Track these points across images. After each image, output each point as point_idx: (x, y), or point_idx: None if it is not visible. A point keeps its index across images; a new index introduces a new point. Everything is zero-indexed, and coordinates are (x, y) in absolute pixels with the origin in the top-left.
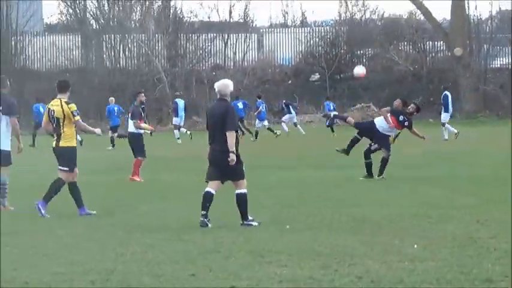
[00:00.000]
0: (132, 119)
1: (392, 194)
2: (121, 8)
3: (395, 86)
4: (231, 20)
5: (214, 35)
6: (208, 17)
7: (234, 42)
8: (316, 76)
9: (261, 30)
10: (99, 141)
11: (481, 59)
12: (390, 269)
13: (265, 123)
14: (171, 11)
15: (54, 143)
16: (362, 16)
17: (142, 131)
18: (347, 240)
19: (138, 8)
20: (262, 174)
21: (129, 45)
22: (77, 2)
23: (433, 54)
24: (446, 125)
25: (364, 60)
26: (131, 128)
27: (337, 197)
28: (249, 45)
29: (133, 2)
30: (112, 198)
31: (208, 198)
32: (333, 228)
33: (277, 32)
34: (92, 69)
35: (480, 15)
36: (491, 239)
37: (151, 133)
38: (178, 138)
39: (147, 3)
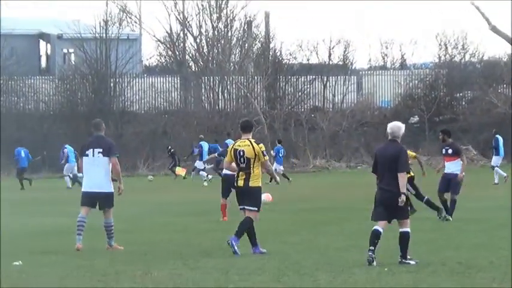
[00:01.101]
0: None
1: (491, 236)
2: (220, 50)
3: (495, 128)
4: (331, 62)
5: (314, 77)
6: (308, 59)
7: (333, 84)
8: (415, 119)
9: (360, 72)
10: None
11: None
12: None
13: (281, 167)
14: (271, 53)
15: (240, 182)
16: (461, 59)
17: None
18: (446, 282)
19: (238, 50)
20: (355, 216)
21: (228, 87)
22: (176, 44)
23: None
24: (496, 168)
25: (464, 103)
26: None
27: (436, 240)
28: (348, 87)
29: (232, 44)
30: (209, 240)
31: (376, 235)
32: (431, 271)
33: (376, 74)
34: (190, 111)
35: None
36: None
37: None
38: (204, 180)
39: (246, 45)
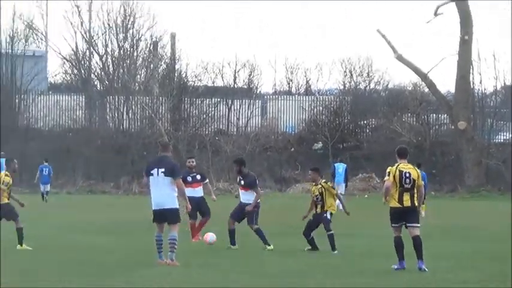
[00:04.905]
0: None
1: (392, 263)
2: (126, 70)
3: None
4: (236, 86)
5: (218, 99)
6: (213, 82)
7: (238, 107)
8: (319, 145)
9: (265, 96)
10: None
11: (485, 133)
12: None
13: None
14: (176, 74)
15: (406, 202)
16: (366, 86)
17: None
18: None
19: (143, 71)
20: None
21: (133, 107)
22: (82, 62)
23: (437, 127)
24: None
25: (368, 131)
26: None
27: (342, 266)
28: (252, 111)
29: (138, 64)
30: (111, 259)
31: None
32: None
33: (281, 99)
34: (95, 130)
35: (485, 89)
36: None
37: None
38: None
39: (151, 66)
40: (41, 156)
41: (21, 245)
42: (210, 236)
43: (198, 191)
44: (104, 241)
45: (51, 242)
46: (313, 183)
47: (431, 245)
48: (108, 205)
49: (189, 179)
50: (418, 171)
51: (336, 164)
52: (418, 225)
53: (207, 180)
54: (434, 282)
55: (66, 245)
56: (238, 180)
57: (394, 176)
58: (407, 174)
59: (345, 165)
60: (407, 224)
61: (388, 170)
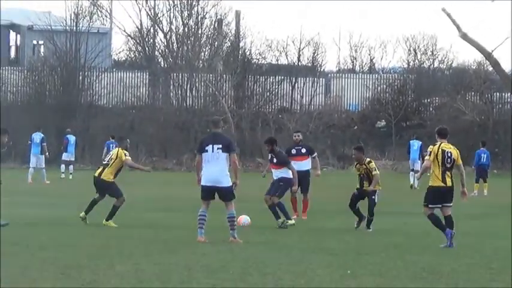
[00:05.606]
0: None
1: (460, 244)
2: (190, 48)
3: (461, 136)
4: (300, 64)
5: (282, 77)
6: (277, 60)
7: (302, 85)
8: (382, 123)
9: (329, 74)
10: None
11: None
12: None
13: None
14: (240, 52)
15: (449, 181)
16: (430, 65)
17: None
18: (406, 286)
19: (207, 48)
20: (324, 219)
21: (197, 85)
22: (146, 39)
23: (500, 106)
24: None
25: (431, 109)
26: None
27: (401, 244)
28: (316, 89)
29: (202, 42)
30: (175, 236)
31: None
32: (394, 275)
33: (345, 77)
34: (158, 107)
35: None
36: None
37: None
38: (62, 172)
39: (216, 43)
40: (104, 133)
41: (107, 221)
42: (244, 219)
43: (302, 165)
44: (166, 218)
45: (114, 218)
46: (357, 163)
47: (491, 223)
48: (171, 182)
49: (294, 151)
50: (457, 151)
51: (411, 141)
52: (451, 204)
53: (315, 154)
54: (496, 261)
55: (128, 222)
56: (270, 157)
57: (436, 155)
58: (449, 154)
59: (420, 142)
60: (444, 204)
61: (429, 149)
